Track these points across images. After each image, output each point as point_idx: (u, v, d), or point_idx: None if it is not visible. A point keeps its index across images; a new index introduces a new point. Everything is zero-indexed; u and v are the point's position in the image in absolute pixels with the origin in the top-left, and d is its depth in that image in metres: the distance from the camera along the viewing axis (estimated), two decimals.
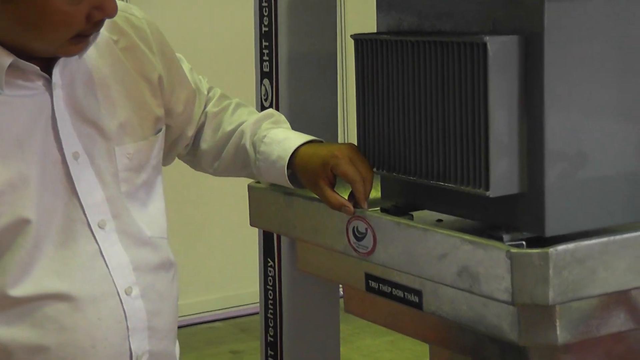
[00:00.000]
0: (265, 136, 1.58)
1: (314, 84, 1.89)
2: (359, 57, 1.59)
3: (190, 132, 1.62)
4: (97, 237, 1.41)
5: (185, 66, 1.62)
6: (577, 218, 1.44)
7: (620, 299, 1.42)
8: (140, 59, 1.50)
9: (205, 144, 1.64)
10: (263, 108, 1.93)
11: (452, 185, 1.46)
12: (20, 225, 1.36)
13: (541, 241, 1.41)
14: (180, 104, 1.58)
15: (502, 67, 1.40)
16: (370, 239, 1.53)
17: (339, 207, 1.53)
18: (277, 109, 1.89)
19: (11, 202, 1.36)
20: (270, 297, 2.01)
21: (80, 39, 1.36)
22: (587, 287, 1.35)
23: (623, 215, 1.47)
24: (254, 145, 1.59)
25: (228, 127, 1.63)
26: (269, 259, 2.02)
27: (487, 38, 1.38)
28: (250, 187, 1.77)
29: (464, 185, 1.44)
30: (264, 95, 1.96)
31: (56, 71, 1.40)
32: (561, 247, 1.33)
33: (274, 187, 1.72)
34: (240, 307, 3.99)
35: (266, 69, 1.95)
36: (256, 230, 1.95)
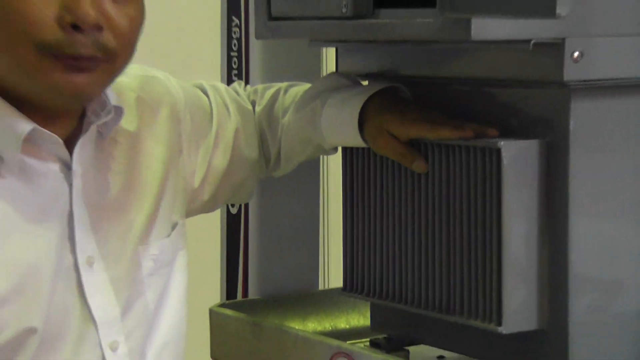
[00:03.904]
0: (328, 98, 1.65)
1: (292, 188, 1.95)
2: (347, 167, 1.66)
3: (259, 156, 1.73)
4: None
5: (213, 98, 1.68)
6: (608, 359, 1.46)
7: None
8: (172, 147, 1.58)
9: (278, 146, 1.73)
10: (229, 216, 1.99)
11: (457, 318, 1.49)
12: (25, 337, 1.41)
13: None
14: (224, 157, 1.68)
15: (519, 177, 1.44)
16: None
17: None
18: (246, 220, 1.95)
19: (18, 311, 1.40)
20: None
21: (64, 62, 1.37)
22: None
23: None
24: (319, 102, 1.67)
25: (283, 115, 1.72)
26: None
27: (501, 143, 1.43)
28: (212, 312, 1.82)
29: (472, 318, 1.48)
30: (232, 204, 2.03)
31: (76, 154, 1.45)
32: None
33: (240, 313, 1.76)
34: None
35: None
36: None
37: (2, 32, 1.38)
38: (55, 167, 1.45)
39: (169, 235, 1.56)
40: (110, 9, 1.40)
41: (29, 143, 1.41)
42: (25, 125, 1.40)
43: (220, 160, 1.67)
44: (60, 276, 1.44)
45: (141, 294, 1.52)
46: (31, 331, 1.41)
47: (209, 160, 1.66)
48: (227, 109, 1.70)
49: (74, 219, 1.45)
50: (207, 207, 1.70)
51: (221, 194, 1.69)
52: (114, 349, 1.48)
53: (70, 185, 1.45)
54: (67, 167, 1.46)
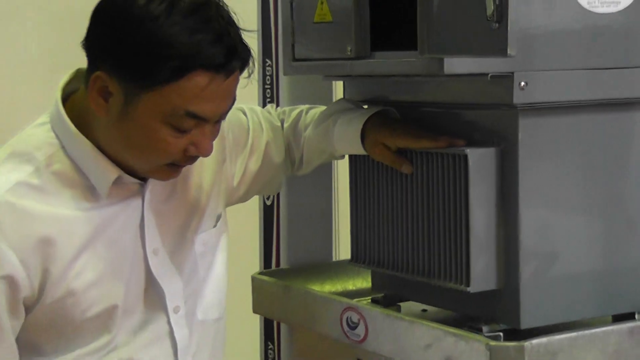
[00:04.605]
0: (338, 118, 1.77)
1: (311, 185, 2.11)
2: (353, 169, 1.81)
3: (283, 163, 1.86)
4: (171, 320, 1.65)
5: (250, 117, 1.80)
6: (550, 312, 1.63)
7: None
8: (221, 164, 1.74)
9: (300, 153, 1.85)
10: (265, 207, 2.18)
11: (436, 281, 1.66)
12: (110, 311, 1.60)
13: (517, 333, 1.60)
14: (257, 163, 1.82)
15: (481, 176, 1.60)
16: (362, 329, 1.72)
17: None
18: (277, 209, 2.12)
19: (103, 293, 1.59)
20: None
21: (174, 167, 1.58)
22: None
23: (591, 310, 1.68)
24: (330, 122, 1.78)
25: (306, 131, 1.85)
26: (269, 342, 2.24)
27: (467, 150, 1.60)
28: (253, 278, 2.00)
29: (447, 281, 1.63)
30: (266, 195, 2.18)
31: (150, 181, 1.62)
32: (535, 341, 1.51)
33: (274, 278, 1.95)
34: None
35: None
36: (257, 316, 2.17)
37: (140, 152, 1.55)
38: (134, 190, 1.61)
39: (215, 226, 1.73)
40: (215, 130, 1.58)
41: (116, 181, 1.60)
42: (113, 173, 1.58)
43: (254, 165, 1.82)
44: (134, 264, 1.61)
45: (195, 270, 1.70)
46: (114, 307, 1.60)
47: (245, 165, 1.81)
48: (261, 126, 1.85)
49: (144, 222, 1.62)
50: (242, 199, 1.85)
51: (252, 189, 1.85)
52: (176, 311, 1.66)
53: (143, 197, 1.62)
54: (141, 185, 1.63)
